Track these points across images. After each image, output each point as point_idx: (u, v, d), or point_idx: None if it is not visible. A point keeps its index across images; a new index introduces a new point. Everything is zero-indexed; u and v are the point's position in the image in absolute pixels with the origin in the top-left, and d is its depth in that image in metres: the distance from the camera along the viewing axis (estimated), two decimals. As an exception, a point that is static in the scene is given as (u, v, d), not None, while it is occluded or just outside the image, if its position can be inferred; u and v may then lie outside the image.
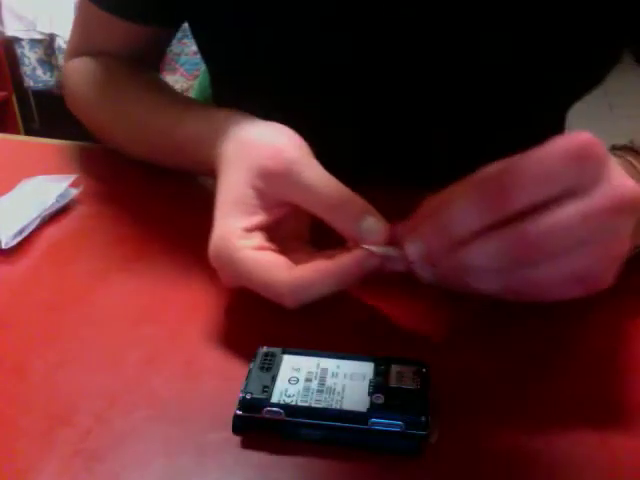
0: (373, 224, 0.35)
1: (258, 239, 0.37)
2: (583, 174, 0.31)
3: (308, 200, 0.37)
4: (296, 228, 0.40)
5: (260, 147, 0.39)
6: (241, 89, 0.59)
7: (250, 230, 0.37)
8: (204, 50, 0.61)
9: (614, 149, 0.42)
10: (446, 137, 0.56)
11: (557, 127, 0.63)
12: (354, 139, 0.56)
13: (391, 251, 0.35)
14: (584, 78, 0.55)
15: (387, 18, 0.49)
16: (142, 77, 0.57)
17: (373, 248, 0.35)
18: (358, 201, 0.36)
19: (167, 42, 0.64)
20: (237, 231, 0.36)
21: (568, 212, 0.31)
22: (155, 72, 0.63)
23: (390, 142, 0.58)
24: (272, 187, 0.37)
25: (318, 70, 0.53)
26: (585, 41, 0.51)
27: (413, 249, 0.34)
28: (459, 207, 0.32)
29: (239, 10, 0.52)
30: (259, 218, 0.37)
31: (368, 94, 0.54)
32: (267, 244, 0.37)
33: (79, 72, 0.60)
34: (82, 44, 0.61)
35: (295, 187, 0.37)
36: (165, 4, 0.56)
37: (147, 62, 0.61)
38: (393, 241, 0.36)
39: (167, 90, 0.56)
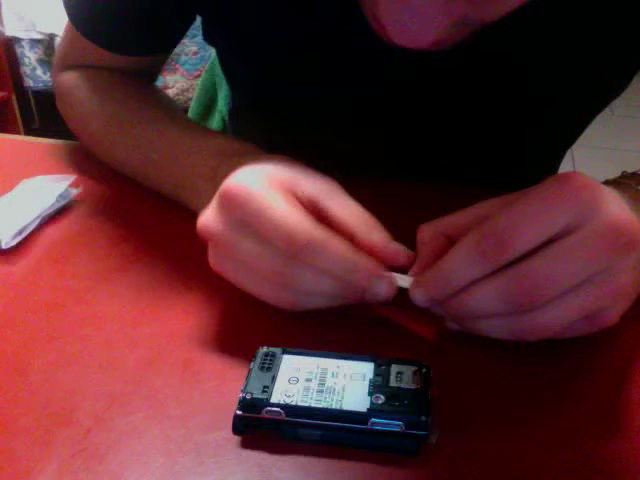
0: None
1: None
2: (578, 215, 0.31)
3: None
4: None
5: None
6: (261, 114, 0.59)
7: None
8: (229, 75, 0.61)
9: (623, 177, 0.41)
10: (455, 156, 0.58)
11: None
12: (355, 142, 0.56)
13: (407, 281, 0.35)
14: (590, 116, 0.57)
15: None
16: (137, 90, 0.56)
17: (395, 275, 0.35)
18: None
19: (164, 58, 0.62)
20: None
21: (565, 251, 0.31)
22: (151, 82, 0.61)
23: (392, 146, 0.58)
24: None
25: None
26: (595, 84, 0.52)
27: (419, 296, 0.34)
28: (458, 259, 0.32)
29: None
30: None
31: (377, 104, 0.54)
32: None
33: (73, 86, 0.57)
34: (73, 56, 0.59)
35: None
36: (159, 37, 0.55)
37: (144, 74, 0.59)
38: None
39: (164, 107, 0.55)
